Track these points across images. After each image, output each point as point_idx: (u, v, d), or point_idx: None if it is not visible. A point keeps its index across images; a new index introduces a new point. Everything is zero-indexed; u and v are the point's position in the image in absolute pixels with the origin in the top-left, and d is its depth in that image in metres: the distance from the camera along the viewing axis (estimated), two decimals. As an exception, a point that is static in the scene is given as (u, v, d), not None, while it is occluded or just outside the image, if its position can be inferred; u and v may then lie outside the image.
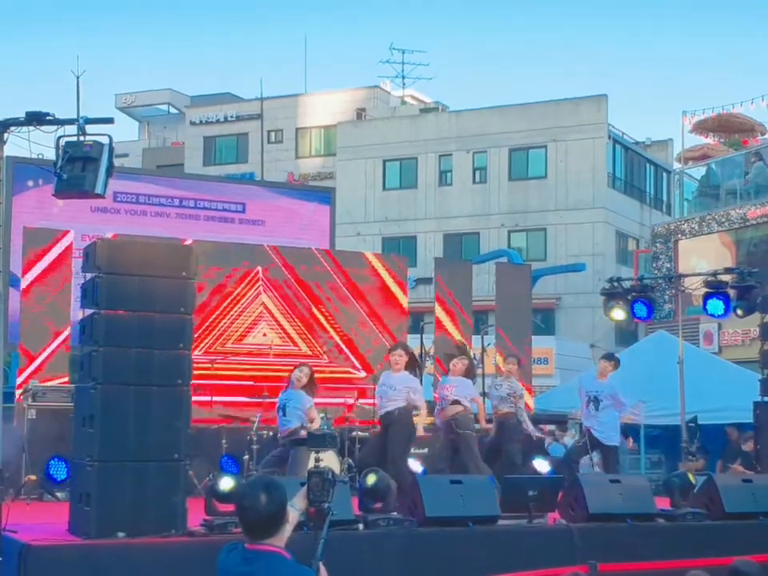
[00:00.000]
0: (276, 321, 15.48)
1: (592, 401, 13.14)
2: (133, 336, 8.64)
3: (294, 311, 15.59)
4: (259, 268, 15.36)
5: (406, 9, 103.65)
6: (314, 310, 15.68)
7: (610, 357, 13.85)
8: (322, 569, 4.65)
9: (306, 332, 15.64)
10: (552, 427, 20.25)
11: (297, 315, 15.59)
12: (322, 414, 12.32)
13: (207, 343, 14.90)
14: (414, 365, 12.48)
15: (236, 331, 15.21)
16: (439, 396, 13.07)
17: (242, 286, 15.30)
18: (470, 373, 13.05)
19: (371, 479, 9.32)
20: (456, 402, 12.66)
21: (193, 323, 9.09)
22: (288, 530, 4.57)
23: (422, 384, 12.84)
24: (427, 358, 17.65)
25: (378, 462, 11.34)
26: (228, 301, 15.19)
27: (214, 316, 15.01)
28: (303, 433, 11.16)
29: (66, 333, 13.85)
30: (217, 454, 12.57)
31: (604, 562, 9.00)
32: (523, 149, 39.53)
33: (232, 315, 15.21)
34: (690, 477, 10.94)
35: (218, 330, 15.10)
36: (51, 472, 11.84)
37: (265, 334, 15.31)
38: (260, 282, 15.41)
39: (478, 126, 39.73)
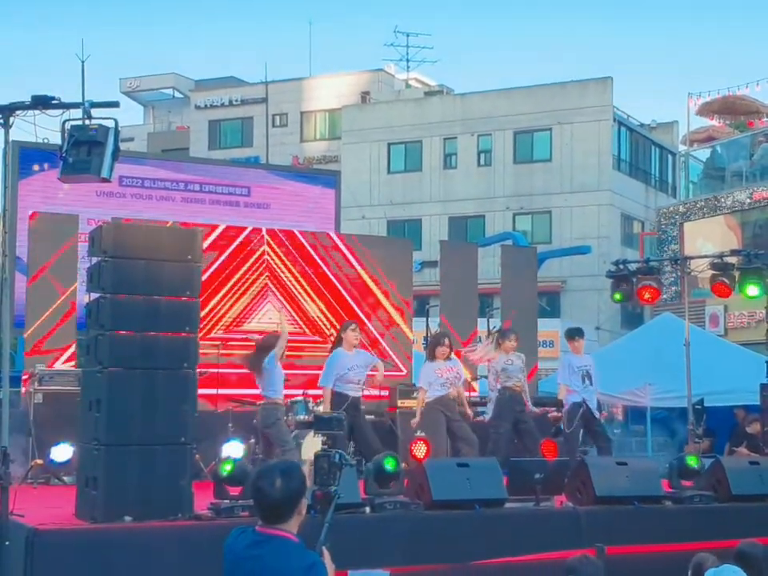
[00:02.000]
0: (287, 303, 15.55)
1: (586, 376, 13.15)
2: (139, 320, 8.63)
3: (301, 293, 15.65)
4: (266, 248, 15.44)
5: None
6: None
7: (578, 332, 13.53)
8: (326, 553, 4.62)
9: (311, 316, 15.68)
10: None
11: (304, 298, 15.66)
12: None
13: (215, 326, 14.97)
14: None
15: (239, 313, 15.23)
16: (451, 375, 12.49)
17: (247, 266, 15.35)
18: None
19: (391, 463, 9.34)
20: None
21: (199, 306, 9.09)
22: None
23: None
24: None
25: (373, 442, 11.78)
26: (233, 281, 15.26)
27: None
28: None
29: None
30: (223, 437, 12.57)
31: (611, 545, 9.01)
32: (528, 131, 39.41)
33: (237, 298, 15.25)
34: (691, 460, 10.85)
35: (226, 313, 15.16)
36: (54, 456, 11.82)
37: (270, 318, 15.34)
38: (265, 264, 15.43)
39: (483, 109, 39.61)
